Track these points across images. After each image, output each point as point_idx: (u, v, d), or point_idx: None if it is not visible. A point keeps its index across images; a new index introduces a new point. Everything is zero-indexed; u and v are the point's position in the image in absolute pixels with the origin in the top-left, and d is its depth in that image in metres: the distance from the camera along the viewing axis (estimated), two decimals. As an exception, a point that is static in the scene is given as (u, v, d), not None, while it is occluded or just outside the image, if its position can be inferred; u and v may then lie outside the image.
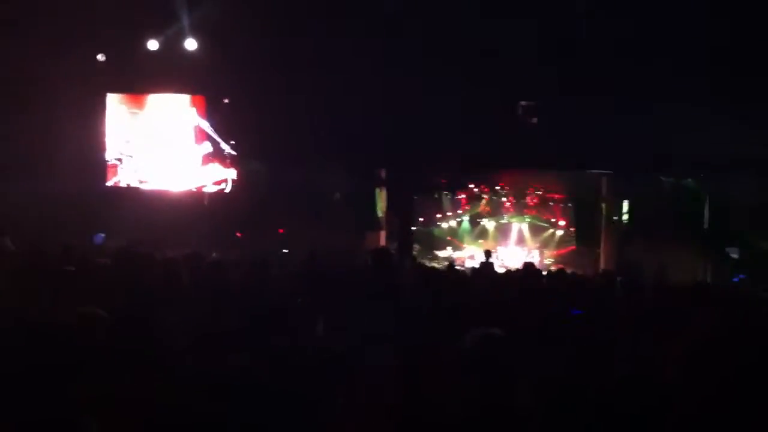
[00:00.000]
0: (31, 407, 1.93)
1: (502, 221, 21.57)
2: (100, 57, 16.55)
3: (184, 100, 17.29)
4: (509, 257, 20.19)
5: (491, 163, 17.39)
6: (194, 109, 17.17)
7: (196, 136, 17.19)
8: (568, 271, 11.29)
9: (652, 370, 3.61)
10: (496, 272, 13.11)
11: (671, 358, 3.71)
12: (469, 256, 20.72)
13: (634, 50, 13.32)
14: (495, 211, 21.51)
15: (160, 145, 17.36)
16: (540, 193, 20.64)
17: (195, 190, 17.28)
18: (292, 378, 3.27)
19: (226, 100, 16.84)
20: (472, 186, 20.79)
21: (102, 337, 2.36)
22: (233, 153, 17.04)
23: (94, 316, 2.07)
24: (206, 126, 17.10)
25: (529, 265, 10.26)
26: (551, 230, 21.27)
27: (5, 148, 15.18)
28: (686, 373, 3.44)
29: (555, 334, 4.43)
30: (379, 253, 6.01)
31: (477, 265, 15.01)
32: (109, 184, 17.37)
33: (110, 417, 2.32)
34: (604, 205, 18.46)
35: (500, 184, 20.81)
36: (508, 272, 12.48)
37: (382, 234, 18.85)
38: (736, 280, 14.08)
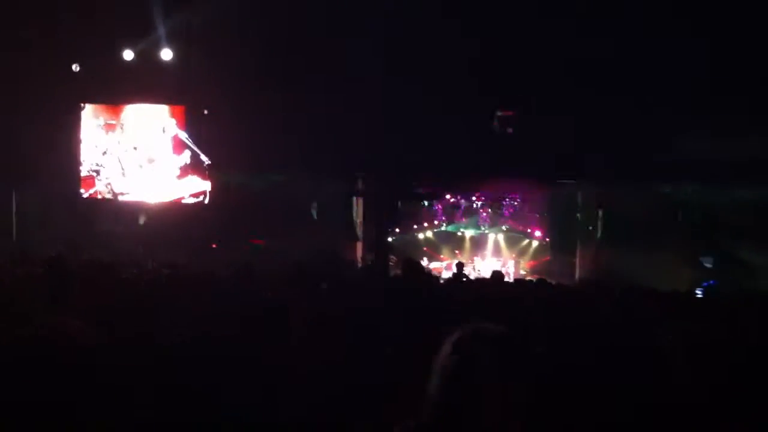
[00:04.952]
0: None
1: (479, 232, 21.67)
2: (75, 67, 16.39)
3: (162, 110, 17.16)
4: (486, 268, 20.26)
5: (468, 173, 17.47)
6: (173, 120, 17.05)
7: (174, 147, 17.05)
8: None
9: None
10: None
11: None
12: (446, 266, 20.76)
13: (612, 61, 13.48)
14: (472, 221, 21.61)
15: (138, 157, 17.20)
16: (516, 203, 20.79)
17: (173, 201, 17.13)
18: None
19: (206, 111, 16.73)
20: (448, 196, 20.88)
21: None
22: (211, 164, 16.92)
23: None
24: (184, 137, 16.98)
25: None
26: (527, 240, 21.41)
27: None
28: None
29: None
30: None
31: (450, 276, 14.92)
32: (86, 195, 17.20)
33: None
34: (579, 215, 18.63)
35: (476, 194, 20.93)
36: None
37: (359, 244, 18.86)
38: (705, 285, 14.27)
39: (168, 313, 4.58)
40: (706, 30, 12.22)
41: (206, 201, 16.87)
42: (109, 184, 17.20)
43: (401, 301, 4.83)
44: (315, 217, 17.83)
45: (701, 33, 12.28)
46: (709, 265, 16.12)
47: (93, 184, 17.21)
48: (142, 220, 15.80)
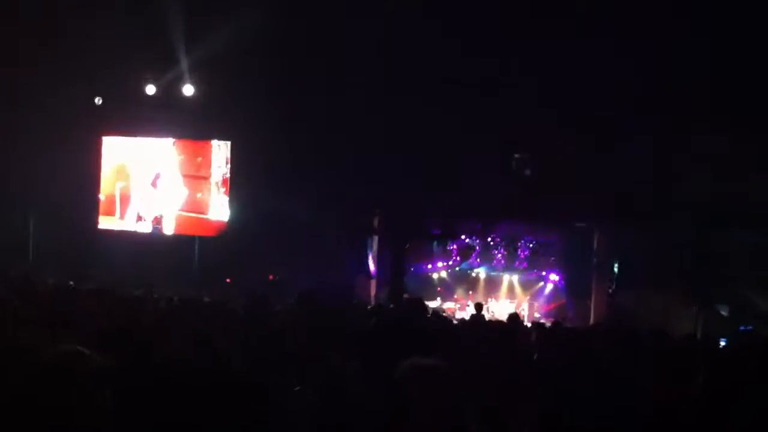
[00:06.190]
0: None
1: (493, 273, 21.54)
2: (98, 100, 16.62)
3: (183, 144, 17.31)
4: (500, 310, 20.04)
5: (484, 213, 17.47)
6: (193, 154, 17.19)
7: (194, 180, 17.15)
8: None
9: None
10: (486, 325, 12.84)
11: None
12: (459, 307, 20.59)
13: (627, 105, 13.52)
14: (486, 263, 21.48)
15: (157, 190, 17.33)
16: (532, 245, 20.67)
17: (190, 234, 17.22)
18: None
19: (226, 146, 16.82)
20: (464, 237, 20.79)
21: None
22: (228, 197, 17.00)
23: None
24: (204, 171, 17.08)
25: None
26: (542, 283, 21.24)
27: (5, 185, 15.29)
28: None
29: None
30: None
31: (467, 317, 14.76)
32: (102, 226, 17.35)
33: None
34: (595, 259, 18.47)
35: (492, 235, 20.83)
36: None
37: (372, 281, 18.78)
38: (742, 329, 13.97)
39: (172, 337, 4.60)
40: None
41: (224, 234, 16.92)
42: (126, 215, 17.33)
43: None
44: (331, 252, 17.83)
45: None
46: (725, 313, 15.91)
47: (112, 214, 17.36)
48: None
